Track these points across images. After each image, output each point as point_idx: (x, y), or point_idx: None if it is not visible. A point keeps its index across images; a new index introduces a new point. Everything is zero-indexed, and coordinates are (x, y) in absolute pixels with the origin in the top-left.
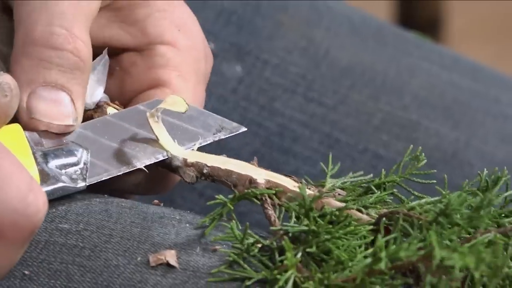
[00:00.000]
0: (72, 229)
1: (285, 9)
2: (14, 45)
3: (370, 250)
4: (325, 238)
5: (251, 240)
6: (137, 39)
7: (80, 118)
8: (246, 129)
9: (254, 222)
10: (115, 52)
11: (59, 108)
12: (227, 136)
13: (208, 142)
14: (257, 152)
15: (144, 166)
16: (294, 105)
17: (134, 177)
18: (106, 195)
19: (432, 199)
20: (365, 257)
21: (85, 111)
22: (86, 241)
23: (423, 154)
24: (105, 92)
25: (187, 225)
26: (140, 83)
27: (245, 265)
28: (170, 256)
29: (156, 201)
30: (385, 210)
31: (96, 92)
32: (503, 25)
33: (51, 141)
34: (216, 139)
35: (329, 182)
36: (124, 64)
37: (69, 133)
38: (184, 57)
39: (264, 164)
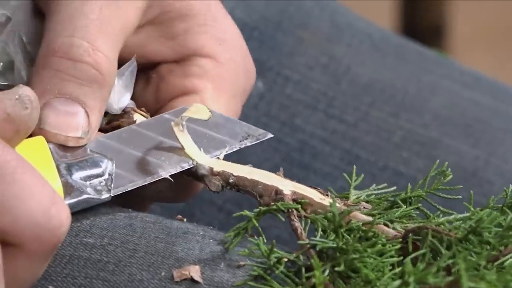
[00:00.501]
0: (97, 244)
1: (306, 25)
2: (37, 56)
3: (398, 270)
4: (353, 257)
5: (277, 255)
6: (176, 52)
7: (93, 132)
8: (272, 135)
9: (273, 237)
10: (154, 63)
11: (70, 120)
12: (253, 143)
13: (234, 149)
14: (277, 167)
15: (170, 176)
16: (315, 121)
17: (157, 185)
18: (130, 210)
19: (461, 215)
20: (393, 276)
21: (112, 116)
22: (111, 255)
23: (449, 169)
24: (140, 99)
25: (211, 240)
26: (175, 90)
27: (272, 280)
28: (194, 272)
29: (179, 216)
30: (411, 225)
31: (123, 99)
32: (507, 32)
33: (75, 153)
34: (243, 146)
35: (353, 194)
36: (161, 72)
37: (81, 146)
38: (222, 70)
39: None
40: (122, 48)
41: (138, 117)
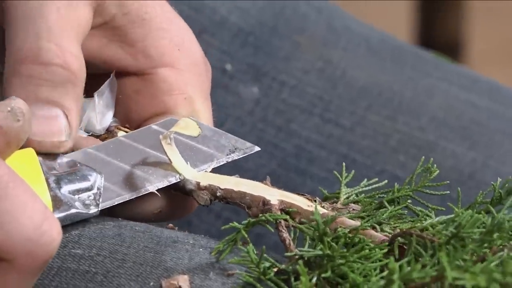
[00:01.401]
0: (85, 255)
1: (302, 29)
2: (5, 66)
3: (385, 273)
4: (340, 263)
5: (267, 264)
6: (138, 62)
7: (75, 133)
8: (259, 149)
9: (271, 244)
10: (117, 75)
11: (51, 125)
12: (240, 156)
13: (222, 163)
14: (274, 173)
15: (157, 190)
16: (311, 126)
17: (154, 206)
18: (120, 218)
19: (445, 217)
20: (381, 278)
21: (96, 136)
22: (99, 266)
23: (435, 165)
24: None
25: (201, 249)
26: (147, 110)
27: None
28: (183, 281)
29: (170, 225)
30: (398, 230)
31: (105, 117)
32: None
33: (64, 165)
34: (230, 160)
35: (344, 193)
36: (127, 91)
37: (66, 152)
38: (186, 77)
39: (281, 185)
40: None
41: (121, 134)
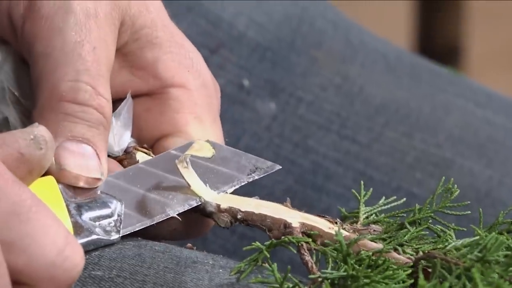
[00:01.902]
0: (105, 276)
1: (320, 45)
2: (38, 99)
3: None
4: (365, 282)
5: (290, 284)
6: (148, 83)
7: (106, 172)
8: (280, 167)
9: (286, 259)
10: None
11: (87, 162)
12: (261, 176)
13: (243, 184)
14: (290, 189)
15: (178, 214)
16: (328, 142)
17: (169, 224)
18: (139, 238)
19: (468, 240)
20: None
21: (114, 158)
22: None
23: (456, 185)
24: None
25: (221, 270)
26: (157, 128)
27: None
28: None
29: (189, 244)
30: (420, 252)
31: (123, 138)
32: None
33: (84, 193)
34: (251, 180)
35: (363, 212)
36: (137, 110)
37: (96, 187)
38: (196, 97)
39: (297, 202)
40: None
41: (141, 155)
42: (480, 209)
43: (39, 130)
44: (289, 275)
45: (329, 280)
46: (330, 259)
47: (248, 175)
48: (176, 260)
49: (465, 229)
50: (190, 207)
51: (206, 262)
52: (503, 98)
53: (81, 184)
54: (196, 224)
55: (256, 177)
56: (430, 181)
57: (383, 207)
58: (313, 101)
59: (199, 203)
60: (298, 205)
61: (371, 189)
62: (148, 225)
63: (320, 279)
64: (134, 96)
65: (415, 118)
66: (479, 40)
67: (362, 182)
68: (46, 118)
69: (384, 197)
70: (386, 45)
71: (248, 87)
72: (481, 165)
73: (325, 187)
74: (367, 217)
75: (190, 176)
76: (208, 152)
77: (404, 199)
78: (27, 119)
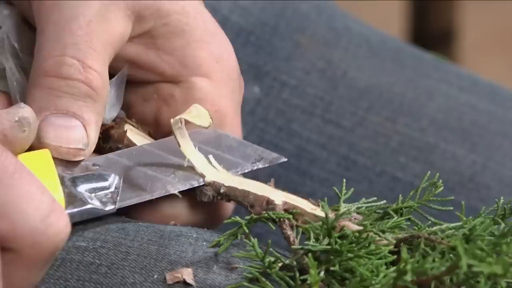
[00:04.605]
0: (89, 247)
1: (303, 29)
2: (30, 76)
3: (393, 268)
4: (348, 257)
5: (272, 258)
6: (174, 69)
7: (93, 145)
8: (286, 159)
9: (271, 243)
10: (152, 80)
11: (69, 133)
12: (265, 166)
13: (246, 171)
14: (274, 173)
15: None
16: (311, 126)
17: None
18: (123, 216)
19: (454, 224)
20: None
21: (103, 125)
22: (103, 258)
23: (441, 180)
24: (138, 114)
25: (204, 243)
26: (177, 115)
27: (267, 282)
28: (187, 274)
29: (173, 222)
30: (403, 235)
31: (113, 108)
32: None
33: (82, 168)
34: (255, 168)
35: (343, 207)
36: (162, 94)
37: (82, 161)
38: (220, 90)
39: (281, 186)
40: (117, 58)
41: (129, 127)
42: (463, 202)
43: (24, 111)
44: (271, 249)
45: (311, 254)
46: (312, 235)
47: (252, 163)
48: (160, 234)
49: (445, 223)
50: (191, 186)
51: (190, 235)
52: (487, 83)
53: (64, 156)
54: (205, 217)
55: (261, 166)
56: (414, 165)
57: (364, 205)
58: (297, 85)
59: (201, 183)
60: (283, 189)
61: (352, 189)
62: (146, 199)
63: (302, 251)
64: (160, 81)
65: (399, 102)
66: (473, 25)
67: (344, 181)
68: (32, 94)
69: (368, 182)
70: (370, 30)
71: None
72: (464, 149)
73: (309, 171)
74: (348, 209)
75: (182, 138)
76: (205, 121)
77: (384, 201)
78: (23, 72)
